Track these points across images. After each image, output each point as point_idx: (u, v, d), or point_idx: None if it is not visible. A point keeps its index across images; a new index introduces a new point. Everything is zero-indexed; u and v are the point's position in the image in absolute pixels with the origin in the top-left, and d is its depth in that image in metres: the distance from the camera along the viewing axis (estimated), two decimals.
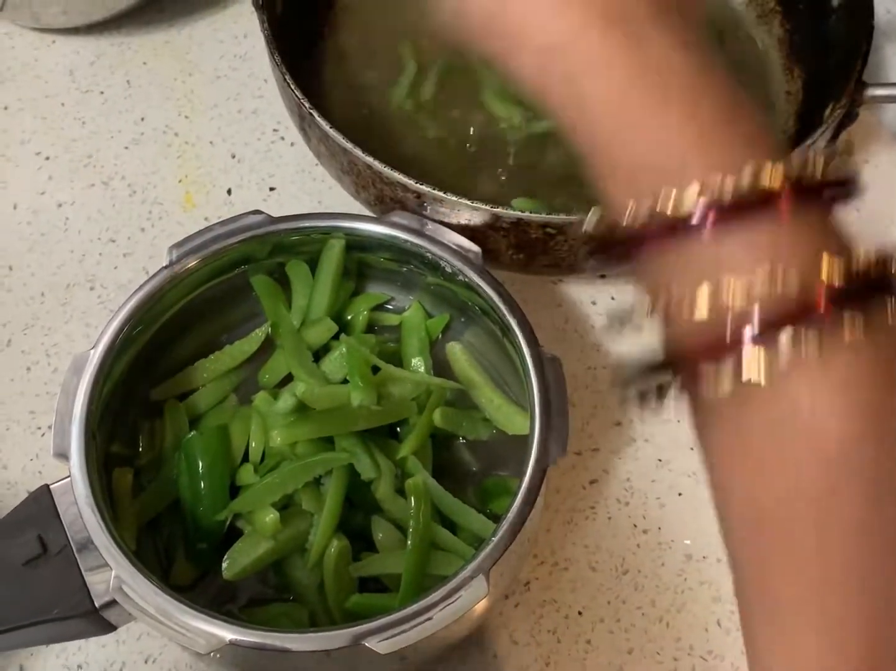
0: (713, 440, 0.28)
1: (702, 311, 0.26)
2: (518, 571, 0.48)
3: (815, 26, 0.59)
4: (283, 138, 0.64)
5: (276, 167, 0.63)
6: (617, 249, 0.28)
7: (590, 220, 0.29)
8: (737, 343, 0.25)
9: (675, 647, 0.48)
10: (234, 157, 0.64)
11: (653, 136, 0.27)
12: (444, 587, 0.40)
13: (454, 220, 0.49)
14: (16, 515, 0.43)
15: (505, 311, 0.46)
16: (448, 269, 0.48)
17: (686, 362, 0.27)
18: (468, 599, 0.40)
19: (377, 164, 0.49)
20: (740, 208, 0.26)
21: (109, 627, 0.44)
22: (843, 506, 0.26)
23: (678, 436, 0.54)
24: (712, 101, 0.28)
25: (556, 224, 0.48)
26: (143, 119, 0.65)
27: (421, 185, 0.48)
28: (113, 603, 0.41)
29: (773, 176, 0.26)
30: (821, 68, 0.58)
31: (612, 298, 0.58)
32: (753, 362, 0.25)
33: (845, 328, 0.25)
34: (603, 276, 0.58)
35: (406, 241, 0.48)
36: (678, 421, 0.54)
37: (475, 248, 0.47)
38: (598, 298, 0.58)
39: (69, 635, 0.44)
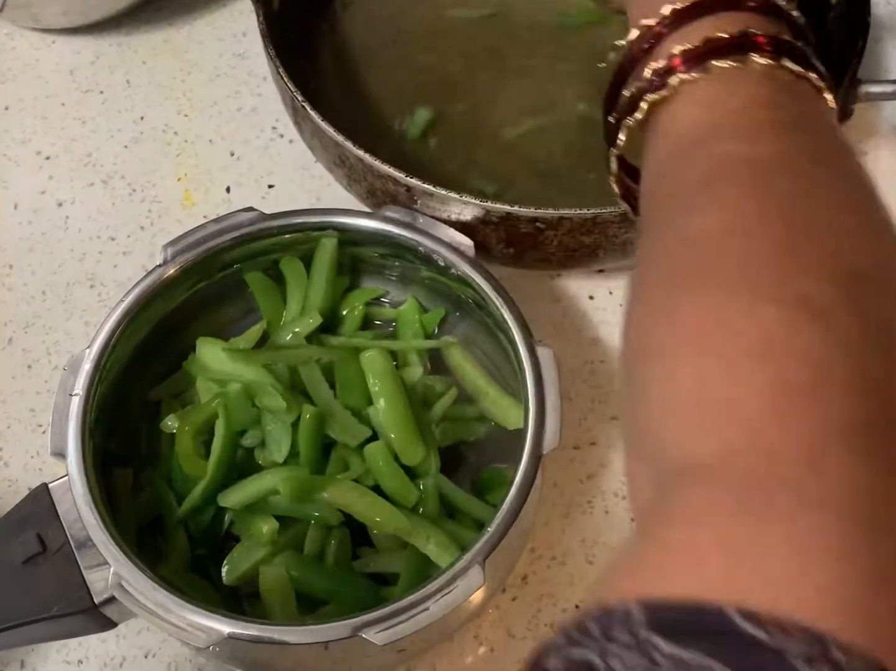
0: (644, 160, 0.34)
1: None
2: (515, 564, 0.48)
3: (814, 22, 0.59)
4: (281, 136, 0.64)
5: (275, 165, 0.63)
6: None
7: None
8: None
9: None
10: (233, 155, 0.64)
11: None
12: (440, 577, 0.41)
13: (444, 215, 0.49)
14: (15, 514, 0.43)
15: (498, 303, 0.46)
16: (441, 263, 0.48)
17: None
18: (464, 589, 0.40)
19: (368, 158, 0.49)
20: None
21: (110, 624, 0.44)
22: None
23: None
24: None
25: (545, 219, 0.48)
26: (142, 118, 0.65)
27: (410, 178, 0.48)
28: (112, 599, 0.42)
29: None
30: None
31: (610, 293, 0.58)
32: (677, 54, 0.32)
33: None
34: (601, 271, 0.58)
35: (399, 235, 0.48)
36: None
37: (468, 241, 0.48)
38: (595, 293, 0.58)
39: (69, 632, 0.45)
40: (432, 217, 0.48)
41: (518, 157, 0.58)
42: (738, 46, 0.32)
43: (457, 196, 0.48)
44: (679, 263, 0.29)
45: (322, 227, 0.49)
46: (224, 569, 0.45)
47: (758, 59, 0.32)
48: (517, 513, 0.42)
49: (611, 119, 0.36)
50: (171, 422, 0.48)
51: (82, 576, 0.42)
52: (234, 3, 0.70)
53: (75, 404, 0.44)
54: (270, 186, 0.62)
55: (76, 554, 0.42)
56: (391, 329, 0.53)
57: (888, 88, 0.54)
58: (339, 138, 0.50)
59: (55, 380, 0.55)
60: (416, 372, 0.49)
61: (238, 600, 0.47)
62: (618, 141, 0.36)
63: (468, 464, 0.51)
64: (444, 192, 0.48)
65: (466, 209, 0.49)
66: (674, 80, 0.32)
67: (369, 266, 0.53)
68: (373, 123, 0.60)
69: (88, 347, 0.45)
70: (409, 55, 0.62)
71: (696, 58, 0.32)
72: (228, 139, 0.64)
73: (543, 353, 0.45)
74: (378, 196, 0.51)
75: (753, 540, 0.23)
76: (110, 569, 0.41)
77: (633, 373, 0.30)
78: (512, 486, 0.42)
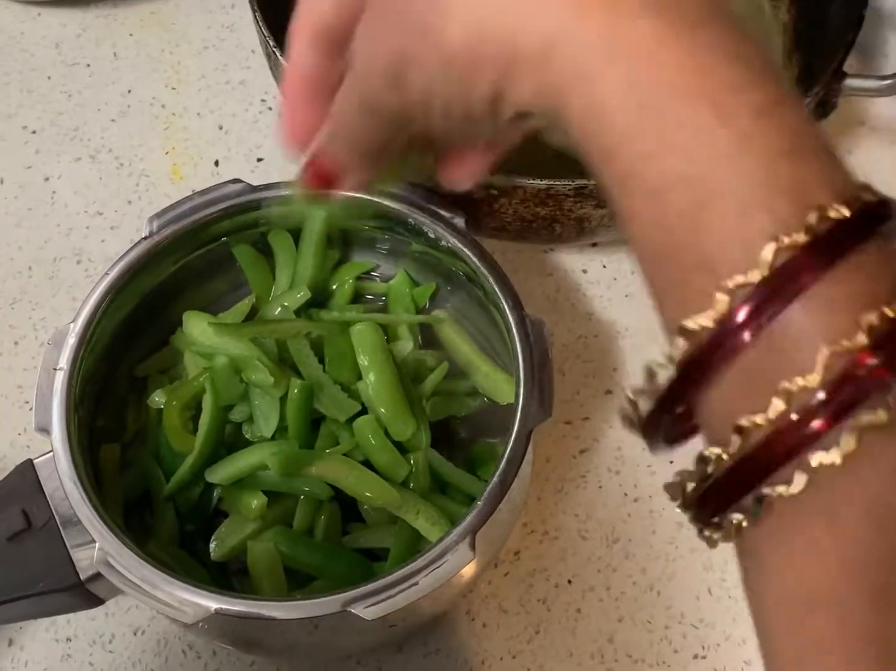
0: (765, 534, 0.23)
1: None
2: (507, 539, 0.47)
3: (817, 13, 0.58)
4: (270, 109, 0.63)
5: (264, 138, 0.63)
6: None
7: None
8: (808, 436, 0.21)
9: (666, 615, 0.48)
10: (221, 128, 0.63)
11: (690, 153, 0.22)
12: (429, 552, 0.40)
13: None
14: None
15: (489, 276, 0.46)
16: (432, 235, 0.47)
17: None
18: (454, 564, 0.40)
19: None
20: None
21: (96, 601, 0.44)
22: None
23: None
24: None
25: (498, 185, 0.47)
26: (129, 91, 0.65)
27: None
28: (98, 576, 0.41)
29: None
30: (816, 56, 0.57)
31: (604, 266, 0.58)
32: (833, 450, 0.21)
33: None
34: (594, 245, 0.58)
35: (388, 207, 0.47)
36: None
37: (458, 213, 0.47)
38: (589, 266, 0.58)
39: (56, 609, 0.44)
40: (421, 186, 0.48)
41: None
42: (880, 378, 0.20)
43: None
44: None
45: None
46: (212, 545, 0.45)
47: None
48: (507, 487, 0.41)
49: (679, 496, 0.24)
50: (158, 398, 0.47)
51: (68, 552, 0.41)
52: None
53: (60, 379, 0.43)
54: (259, 160, 0.62)
55: (62, 530, 0.41)
56: (381, 303, 0.52)
57: (873, 84, 0.52)
58: None
59: (42, 356, 0.55)
60: (406, 346, 0.49)
61: (227, 576, 0.46)
62: (718, 530, 0.23)
63: (459, 439, 0.50)
64: None
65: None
66: (811, 459, 0.21)
67: (360, 240, 0.52)
68: None
69: (73, 321, 0.44)
70: None
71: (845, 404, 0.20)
72: (217, 112, 0.64)
73: (535, 327, 0.44)
74: None
75: None
76: (96, 545, 0.40)
77: None
78: (502, 461, 0.42)
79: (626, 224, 0.24)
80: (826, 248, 0.20)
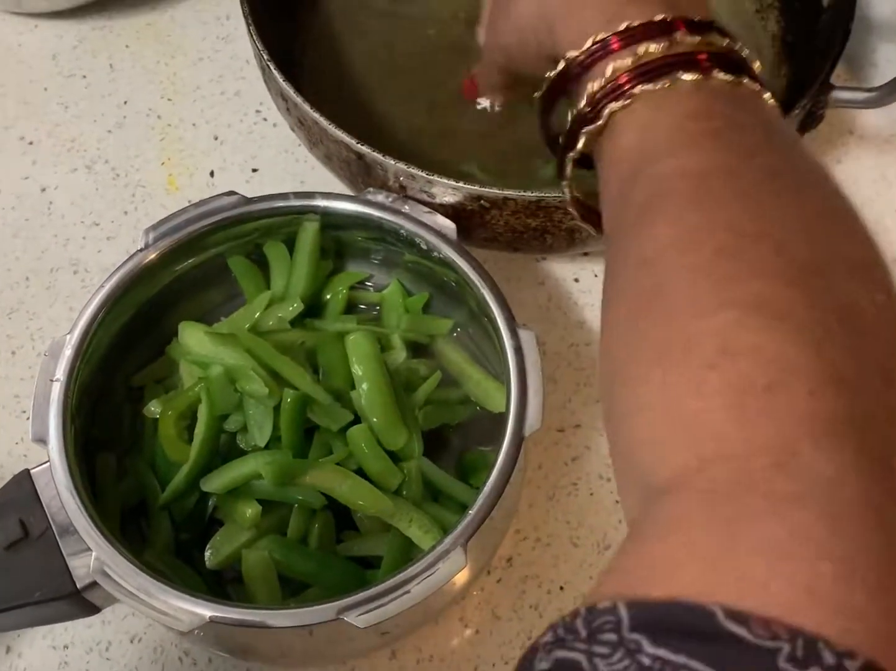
0: (600, 191, 0.36)
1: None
2: (498, 545, 0.48)
3: (806, 25, 0.58)
4: (265, 119, 0.64)
5: (259, 148, 0.63)
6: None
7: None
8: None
9: None
10: (216, 139, 0.64)
11: None
12: (422, 560, 0.40)
13: (391, 182, 0.49)
14: None
15: (480, 286, 0.46)
16: (424, 246, 0.48)
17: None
18: (446, 572, 0.40)
19: (322, 121, 0.49)
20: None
21: (93, 609, 0.44)
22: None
23: None
24: None
25: (489, 198, 0.48)
26: (125, 102, 0.65)
27: (362, 145, 0.48)
28: (94, 584, 0.41)
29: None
30: (804, 68, 0.57)
31: (595, 275, 0.58)
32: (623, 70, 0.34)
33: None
34: (586, 254, 0.58)
35: (381, 218, 0.48)
36: None
37: (450, 224, 0.48)
38: (580, 275, 0.58)
39: (53, 617, 0.45)
40: (416, 199, 0.48)
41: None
42: (667, 66, 0.33)
43: (403, 167, 0.47)
44: (637, 286, 0.30)
45: (304, 211, 0.49)
46: (207, 554, 0.45)
47: (686, 76, 0.33)
48: (499, 495, 0.42)
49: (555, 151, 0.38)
50: (154, 407, 0.48)
51: (65, 561, 0.42)
52: None
53: (56, 390, 0.44)
54: (254, 170, 0.62)
55: (58, 539, 0.42)
56: (375, 313, 0.53)
57: (859, 96, 0.53)
58: (298, 99, 0.49)
59: (39, 366, 0.55)
60: (399, 356, 0.49)
61: (222, 584, 0.47)
62: (565, 173, 0.38)
63: (452, 447, 0.51)
64: (391, 161, 0.47)
65: (414, 182, 0.48)
66: (606, 111, 0.34)
67: (353, 250, 0.53)
68: (352, 99, 0.60)
69: (69, 332, 0.45)
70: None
71: (626, 83, 0.33)
72: (212, 123, 0.64)
73: (525, 336, 0.45)
74: (334, 161, 0.51)
75: (724, 545, 0.23)
76: (92, 554, 0.41)
77: (610, 398, 0.31)
78: (493, 470, 0.42)
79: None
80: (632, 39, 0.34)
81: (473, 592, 0.49)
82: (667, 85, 0.33)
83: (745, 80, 0.33)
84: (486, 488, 0.42)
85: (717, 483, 0.25)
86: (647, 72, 0.33)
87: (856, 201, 0.31)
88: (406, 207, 0.48)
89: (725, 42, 0.34)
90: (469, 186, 0.47)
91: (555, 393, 0.54)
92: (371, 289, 0.54)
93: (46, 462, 0.43)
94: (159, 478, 0.47)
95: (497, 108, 0.55)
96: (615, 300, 0.32)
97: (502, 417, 0.44)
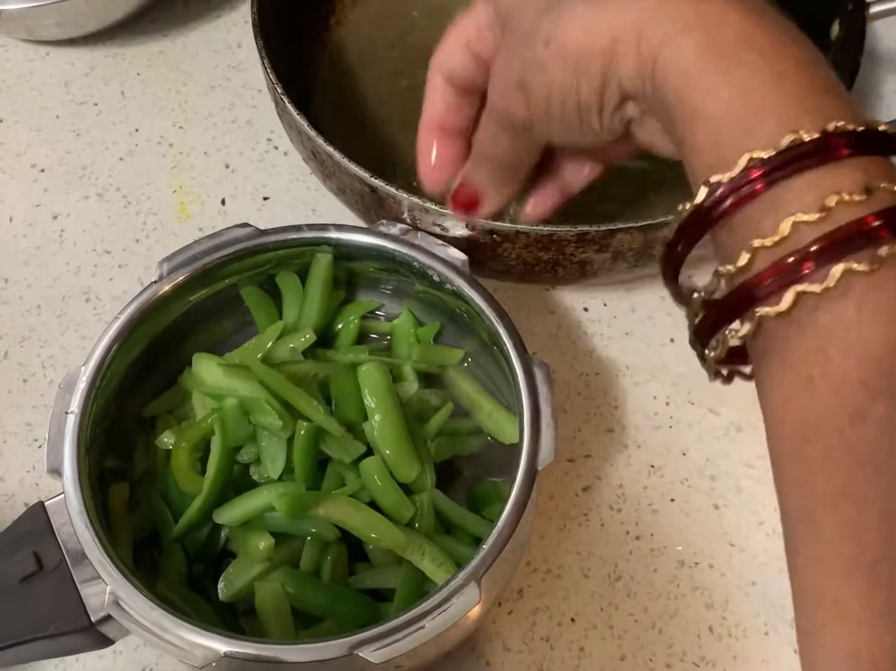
0: (766, 370, 0.27)
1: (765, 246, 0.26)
2: (511, 578, 0.48)
3: None
4: (276, 147, 0.64)
5: (270, 177, 0.64)
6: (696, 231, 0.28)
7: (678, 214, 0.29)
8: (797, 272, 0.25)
9: (668, 654, 0.49)
10: (228, 167, 0.64)
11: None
12: (436, 595, 0.40)
13: (404, 215, 0.49)
14: (11, 532, 0.43)
15: (492, 318, 0.46)
16: (436, 278, 0.48)
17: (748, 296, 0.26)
18: (460, 607, 0.40)
19: (336, 154, 0.49)
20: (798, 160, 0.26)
21: (106, 641, 0.44)
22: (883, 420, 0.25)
23: (670, 442, 0.54)
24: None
25: (501, 232, 0.48)
26: (137, 130, 0.66)
27: (375, 179, 0.48)
28: (109, 617, 0.42)
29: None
30: None
31: (605, 304, 0.59)
32: (815, 284, 0.25)
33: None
34: (596, 284, 0.58)
35: (393, 250, 0.48)
36: (670, 427, 0.54)
37: (462, 256, 0.48)
38: (590, 304, 0.59)
39: (67, 650, 0.45)
40: (428, 232, 0.48)
41: None
42: (869, 233, 0.25)
43: (417, 200, 0.47)
44: None
45: (317, 243, 0.49)
46: (220, 586, 0.45)
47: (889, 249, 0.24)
48: (513, 530, 0.42)
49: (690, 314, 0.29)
50: (166, 439, 0.48)
51: (79, 594, 0.42)
52: (228, 14, 0.71)
53: (71, 422, 0.44)
54: (265, 198, 0.63)
55: (72, 572, 0.42)
56: (386, 342, 0.53)
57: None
58: (312, 133, 0.50)
59: (51, 394, 0.55)
60: (411, 387, 0.49)
61: (235, 617, 0.47)
62: (712, 349, 0.28)
63: (464, 478, 0.51)
64: (404, 194, 0.48)
65: (427, 216, 0.48)
66: (789, 292, 0.25)
67: (364, 279, 0.53)
68: (365, 130, 0.60)
69: (84, 365, 0.45)
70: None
71: (830, 248, 0.25)
72: (223, 151, 0.65)
73: (537, 368, 0.45)
74: (347, 193, 0.52)
75: None
76: (107, 587, 0.41)
77: None
78: (507, 503, 0.42)
79: (685, 152, 0.29)
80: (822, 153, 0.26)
81: (485, 624, 0.49)
82: (876, 267, 0.24)
83: None
84: (499, 523, 0.42)
85: None
86: (846, 239, 0.25)
87: None
88: (418, 239, 0.49)
89: None
90: (481, 220, 0.47)
91: (565, 423, 0.55)
92: (382, 318, 0.54)
93: (61, 494, 0.43)
94: (172, 509, 0.47)
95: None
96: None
97: (514, 448, 0.44)
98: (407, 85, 0.62)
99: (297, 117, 0.50)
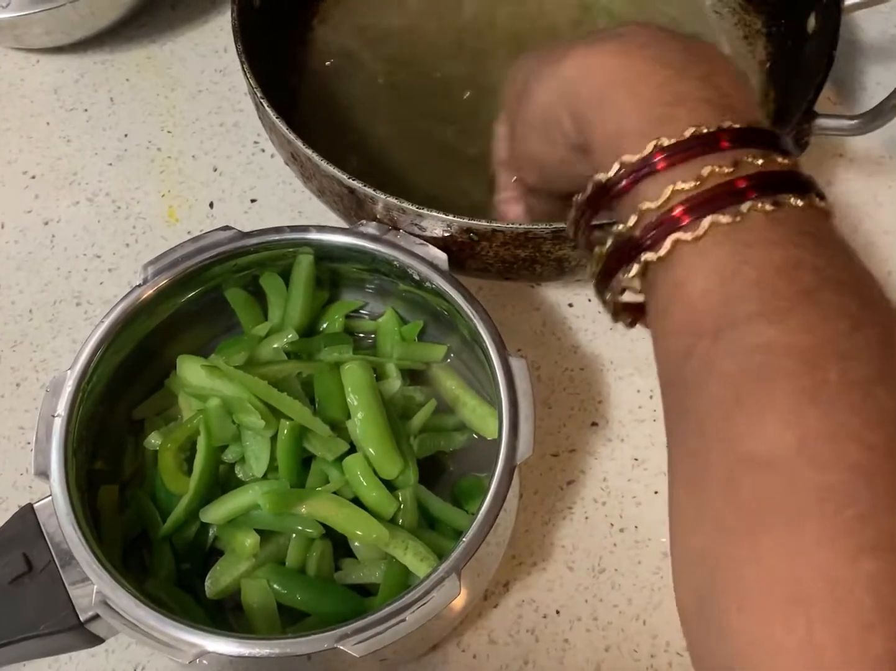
0: (650, 311, 0.32)
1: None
2: (494, 572, 0.49)
3: (792, 51, 0.59)
4: (263, 150, 0.65)
5: (257, 179, 0.64)
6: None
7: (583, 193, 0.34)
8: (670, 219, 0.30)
9: (652, 645, 0.49)
10: (215, 170, 0.65)
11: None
12: (417, 588, 0.41)
13: (382, 215, 0.50)
14: (2, 534, 0.44)
15: (472, 315, 0.47)
16: (416, 277, 0.49)
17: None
18: (441, 599, 0.41)
19: (314, 156, 0.50)
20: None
21: (96, 640, 0.45)
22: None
23: (654, 435, 0.54)
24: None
25: (478, 230, 0.48)
26: (126, 135, 0.66)
27: (353, 180, 0.49)
28: (97, 617, 0.42)
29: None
30: (790, 95, 0.58)
31: (589, 300, 0.59)
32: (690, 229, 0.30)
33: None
34: (579, 280, 0.59)
35: (373, 250, 0.49)
36: (654, 420, 0.55)
37: (442, 255, 0.48)
38: (574, 300, 0.59)
39: (57, 649, 0.46)
40: (409, 232, 0.49)
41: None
42: (737, 193, 0.29)
43: (394, 201, 0.48)
44: (752, 492, 0.26)
45: (298, 244, 0.50)
46: (207, 583, 0.46)
47: (758, 206, 0.29)
48: (492, 523, 0.43)
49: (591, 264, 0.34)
50: (154, 440, 0.49)
51: (68, 594, 0.43)
52: (215, 19, 0.71)
53: (58, 425, 0.45)
54: (253, 201, 0.63)
55: (61, 572, 0.43)
56: (370, 341, 0.54)
57: (843, 124, 0.52)
58: (291, 136, 0.50)
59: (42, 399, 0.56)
60: (394, 385, 0.50)
61: (223, 614, 0.48)
62: (609, 291, 0.33)
63: (448, 473, 0.52)
64: (382, 195, 0.48)
65: (405, 216, 0.49)
66: (668, 240, 0.30)
67: (348, 279, 0.54)
68: (351, 140, 0.61)
69: (70, 368, 0.46)
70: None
71: (696, 208, 0.29)
72: (211, 155, 0.65)
73: (516, 364, 0.46)
74: (326, 195, 0.52)
75: None
76: (94, 587, 0.42)
77: (711, 614, 0.27)
78: (487, 497, 0.43)
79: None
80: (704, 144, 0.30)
81: (470, 617, 0.50)
82: (738, 219, 0.29)
83: (818, 202, 0.30)
84: (479, 516, 0.43)
85: None
86: (713, 198, 0.29)
87: (847, 223, 0.31)
88: (398, 239, 0.49)
89: (788, 159, 0.31)
90: (458, 219, 0.48)
91: (549, 418, 0.55)
92: (366, 317, 0.55)
93: (49, 496, 0.44)
94: (160, 509, 0.48)
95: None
96: (713, 497, 0.27)
97: (497, 443, 0.45)
98: (391, 82, 0.63)
99: (276, 120, 0.51)
